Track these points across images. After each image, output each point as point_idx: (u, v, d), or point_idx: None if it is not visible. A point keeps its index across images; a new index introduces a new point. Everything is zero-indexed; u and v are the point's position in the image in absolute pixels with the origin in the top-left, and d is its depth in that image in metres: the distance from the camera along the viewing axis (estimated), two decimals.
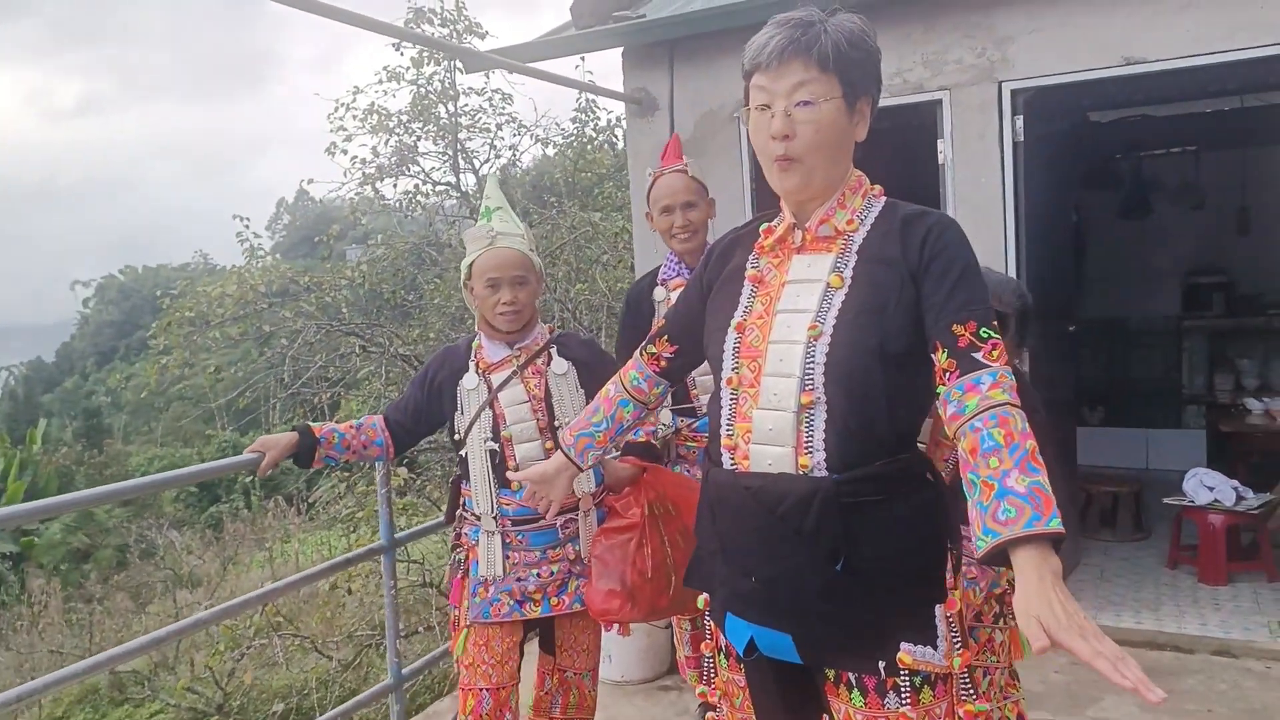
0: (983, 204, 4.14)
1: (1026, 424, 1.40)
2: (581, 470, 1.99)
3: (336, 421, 2.48)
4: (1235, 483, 4.68)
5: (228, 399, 10.25)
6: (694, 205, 2.91)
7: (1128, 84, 4.26)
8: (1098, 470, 6.07)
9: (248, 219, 9.41)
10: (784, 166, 1.57)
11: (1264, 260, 6.45)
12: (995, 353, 1.45)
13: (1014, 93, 4.07)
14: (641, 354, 1.92)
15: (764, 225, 1.70)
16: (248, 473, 11.23)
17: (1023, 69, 4.04)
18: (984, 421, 1.39)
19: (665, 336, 1.88)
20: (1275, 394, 5.62)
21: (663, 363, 1.89)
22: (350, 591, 7.44)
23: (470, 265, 2.45)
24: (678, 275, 2.97)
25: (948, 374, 1.46)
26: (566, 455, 1.96)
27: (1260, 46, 3.65)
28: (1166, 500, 4.87)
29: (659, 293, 3.00)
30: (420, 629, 7.35)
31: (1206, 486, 4.68)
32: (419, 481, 8.69)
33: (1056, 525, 1.30)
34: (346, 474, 8.80)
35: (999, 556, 1.33)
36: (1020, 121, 4.09)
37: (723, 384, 1.64)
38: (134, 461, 20.17)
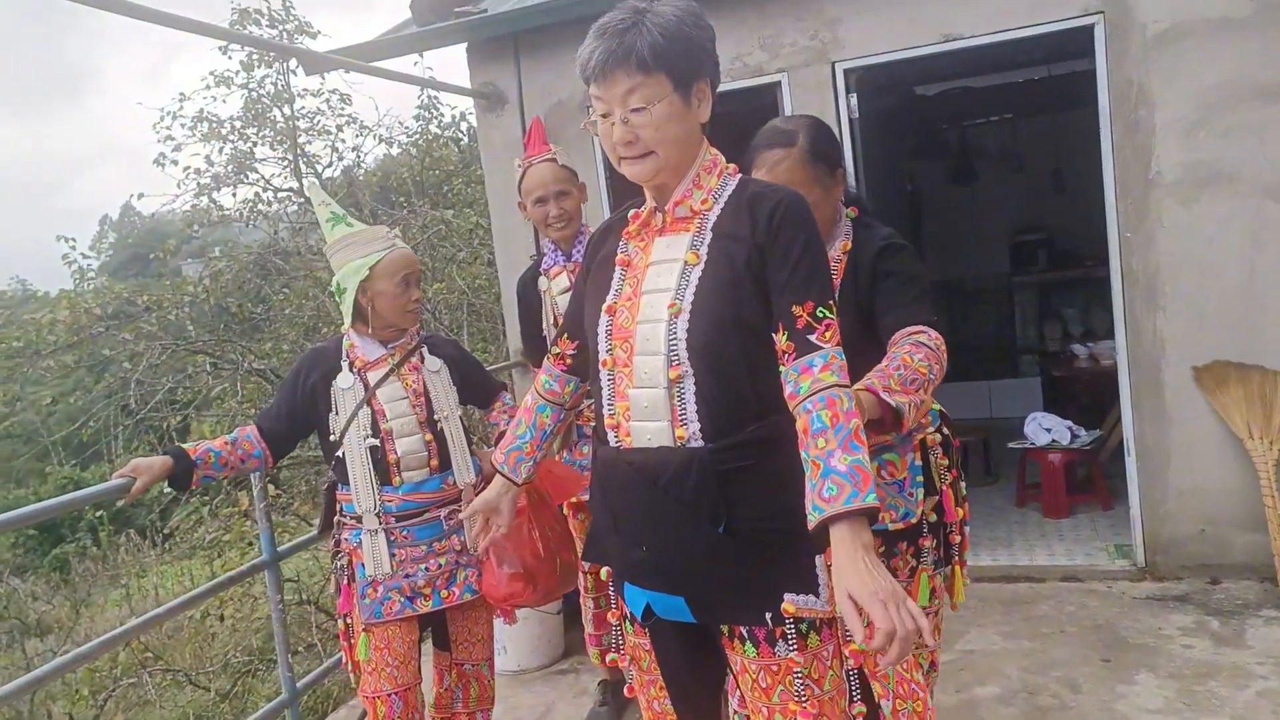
0: None
1: (853, 403, 1.52)
2: (519, 486, 1.99)
3: (185, 444, 2.42)
4: (1069, 423, 5.09)
5: (65, 433, 9.64)
6: (567, 193, 2.95)
7: (948, 58, 4.53)
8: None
9: (73, 239, 8.86)
10: (631, 160, 1.64)
11: (1078, 216, 6.96)
12: (829, 333, 1.56)
13: (846, 72, 4.27)
14: (549, 356, 1.97)
15: (632, 211, 1.77)
16: (94, 508, 10.64)
17: (853, 49, 4.24)
18: (814, 404, 1.51)
19: (565, 335, 1.93)
20: (1098, 339, 6.10)
21: (568, 360, 1.93)
22: (223, 619, 7.15)
23: (374, 266, 2.43)
24: (555, 264, 3.02)
25: (786, 355, 1.57)
26: (502, 474, 1.97)
27: (1058, 20, 3.96)
28: (1011, 445, 5.25)
29: (542, 282, 3.05)
30: (300, 648, 7.13)
31: (1044, 428, 5.07)
32: (284, 498, 8.42)
33: (872, 500, 1.43)
34: (206, 499, 8.44)
35: (825, 530, 1.46)
36: (854, 99, 4.30)
37: (599, 366, 1.70)
38: None
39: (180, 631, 8.08)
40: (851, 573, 1.39)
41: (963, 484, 2.29)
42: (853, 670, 1.66)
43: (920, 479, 2.16)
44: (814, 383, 1.52)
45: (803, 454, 1.51)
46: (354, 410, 2.43)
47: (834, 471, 1.45)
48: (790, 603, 1.60)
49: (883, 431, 1.75)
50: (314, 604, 7.26)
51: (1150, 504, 4.05)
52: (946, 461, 2.23)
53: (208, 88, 8.93)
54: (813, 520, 1.46)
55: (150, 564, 11.70)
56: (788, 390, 1.56)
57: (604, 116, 1.63)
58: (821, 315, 1.56)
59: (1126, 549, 4.23)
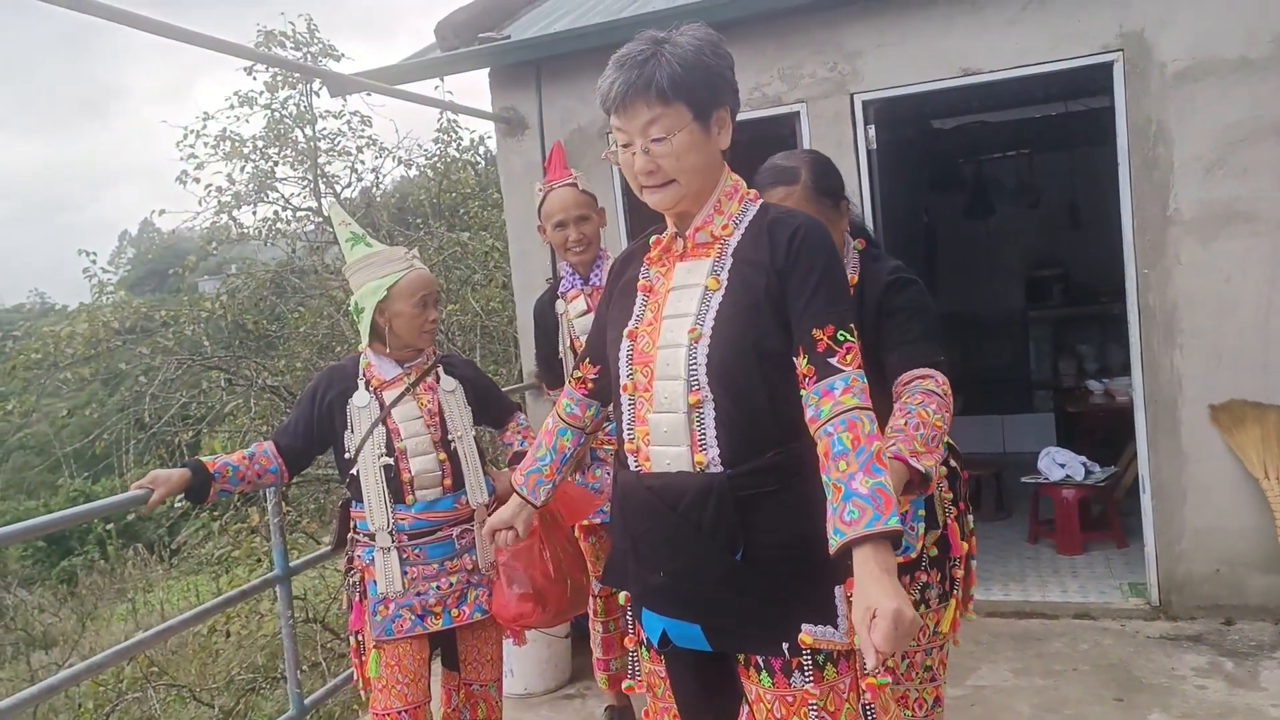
0: None
1: (874, 426, 1.52)
2: (537, 508, 2.04)
3: (203, 457, 2.45)
4: (1083, 459, 5.06)
5: (79, 445, 9.68)
6: (586, 218, 2.98)
7: (966, 92, 4.56)
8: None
9: (94, 254, 8.96)
10: (653, 189, 1.66)
11: (1094, 252, 6.96)
12: (849, 356, 1.56)
13: (865, 103, 4.29)
14: (570, 380, 2.00)
15: (654, 237, 1.78)
16: (102, 521, 10.66)
17: (871, 81, 4.27)
18: (835, 427, 1.51)
19: (587, 359, 1.95)
20: (1113, 375, 6.08)
21: (589, 385, 1.96)
22: (229, 635, 7.14)
23: (392, 286, 2.46)
24: (573, 287, 3.04)
25: (807, 379, 1.57)
26: (520, 495, 2.02)
27: (1078, 57, 3.99)
28: (1024, 479, 5.22)
29: (559, 305, 3.08)
30: (305, 666, 7.11)
31: (1058, 464, 5.04)
32: (293, 515, 8.43)
33: (894, 524, 1.42)
34: (215, 514, 8.46)
35: (847, 553, 1.45)
36: (872, 130, 4.32)
37: (620, 390, 1.71)
38: None
39: (185, 647, 8.06)
40: (877, 593, 1.38)
41: (970, 517, 2.27)
42: (870, 705, 1.64)
43: (921, 513, 2.14)
44: (835, 405, 1.52)
45: (824, 477, 1.51)
46: (369, 428, 2.45)
47: (855, 494, 1.44)
48: (808, 633, 1.59)
49: (910, 492, 1.74)
50: (319, 623, 7.24)
51: (1165, 542, 4.01)
52: (951, 495, 2.21)
53: (231, 107, 9.05)
54: (834, 544, 1.46)
55: (157, 579, 11.70)
56: (809, 414, 1.56)
57: (625, 146, 1.65)
58: (842, 338, 1.56)
59: (1141, 587, 4.19)
